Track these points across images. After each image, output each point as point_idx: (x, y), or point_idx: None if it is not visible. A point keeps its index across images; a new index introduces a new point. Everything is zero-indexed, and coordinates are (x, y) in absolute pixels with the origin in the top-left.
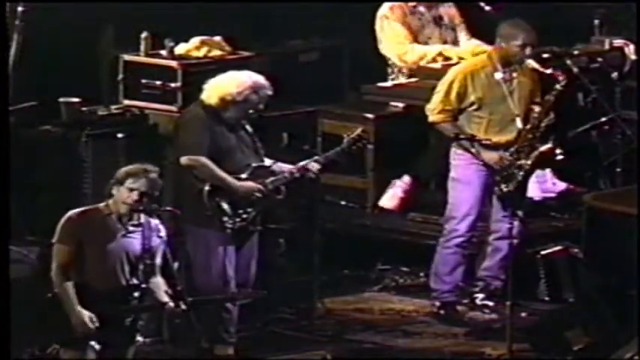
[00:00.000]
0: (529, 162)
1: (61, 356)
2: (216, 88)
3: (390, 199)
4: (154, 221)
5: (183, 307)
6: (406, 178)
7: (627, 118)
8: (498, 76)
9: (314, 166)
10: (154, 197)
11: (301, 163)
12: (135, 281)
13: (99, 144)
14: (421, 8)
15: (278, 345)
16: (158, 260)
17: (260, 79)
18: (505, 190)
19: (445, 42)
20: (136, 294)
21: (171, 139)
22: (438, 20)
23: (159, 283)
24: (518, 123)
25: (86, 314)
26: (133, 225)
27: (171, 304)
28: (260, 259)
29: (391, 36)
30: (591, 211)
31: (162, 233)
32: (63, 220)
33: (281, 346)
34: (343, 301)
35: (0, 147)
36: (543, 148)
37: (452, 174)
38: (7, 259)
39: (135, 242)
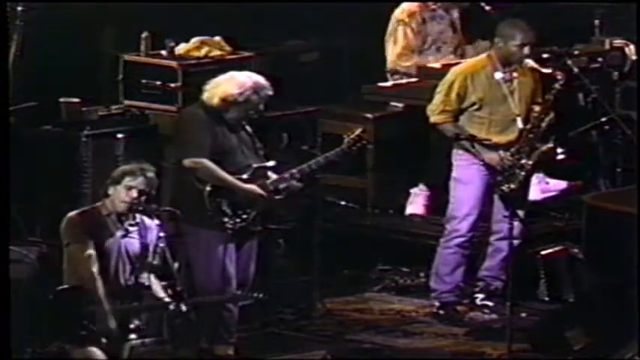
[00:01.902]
0: (530, 161)
1: (70, 355)
2: (218, 89)
3: (415, 208)
4: (149, 220)
5: (184, 307)
6: (422, 187)
7: (627, 118)
8: (498, 76)
9: (296, 186)
10: (152, 195)
11: (304, 167)
12: (134, 280)
13: (99, 144)
14: (440, 12)
15: (278, 345)
16: (153, 258)
17: (261, 79)
18: (507, 190)
19: (457, 46)
20: (134, 293)
21: (170, 139)
22: (452, 25)
23: (154, 281)
24: (519, 123)
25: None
26: (131, 224)
27: (172, 304)
28: (260, 259)
29: (400, 45)
30: (591, 211)
31: (158, 232)
32: (66, 221)
33: (281, 346)
34: (343, 301)
35: (0, 147)
36: (544, 147)
37: (453, 174)
38: (7, 259)
39: (133, 241)
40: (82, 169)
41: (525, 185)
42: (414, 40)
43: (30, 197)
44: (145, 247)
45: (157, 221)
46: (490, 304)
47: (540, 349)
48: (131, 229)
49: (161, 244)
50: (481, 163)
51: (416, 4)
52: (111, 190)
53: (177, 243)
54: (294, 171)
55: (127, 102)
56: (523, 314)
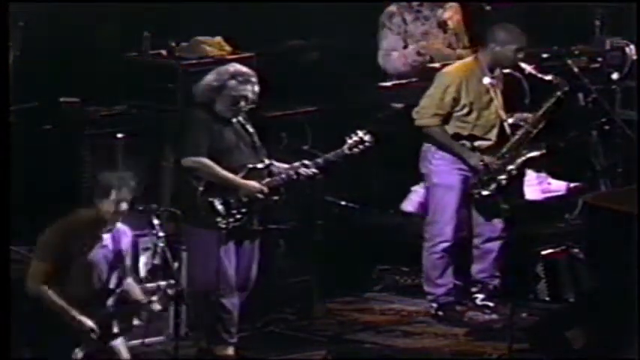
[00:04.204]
0: (514, 167)
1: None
2: (201, 83)
3: (411, 204)
4: (121, 224)
5: (158, 307)
6: (423, 185)
7: (627, 118)
8: (487, 80)
9: (306, 172)
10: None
11: (295, 164)
12: (111, 286)
13: (99, 144)
14: (426, 12)
15: (278, 345)
16: (128, 262)
17: (241, 67)
18: (485, 193)
19: (448, 47)
20: (112, 298)
21: (170, 139)
22: (442, 25)
23: (132, 284)
24: (507, 128)
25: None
26: (107, 230)
27: (146, 304)
28: (260, 259)
29: (382, 49)
30: (591, 211)
31: (129, 236)
32: (43, 236)
33: (281, 346)
34: (343, 301)
35: (0, 147)
36: (532, 154)
37: (433, 179)
38: (8, 259)
39: (109, 247)
40: (82, 170)
41: (501, 190)
42: (394, 42)
43: (30, 197)
44: (118, 251)
45: (126, 228)
46: (490, 304)
47: (540, 349)
48: (106, 235)
49: (161, 244)
50: (461, 166)
51: (396, 4)
52: (97, 202)
53: (178, 243)
54: (290, 171)
55: (127, 102)
56: (523, 314)
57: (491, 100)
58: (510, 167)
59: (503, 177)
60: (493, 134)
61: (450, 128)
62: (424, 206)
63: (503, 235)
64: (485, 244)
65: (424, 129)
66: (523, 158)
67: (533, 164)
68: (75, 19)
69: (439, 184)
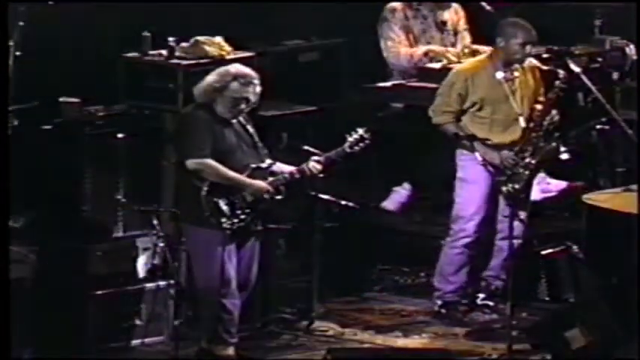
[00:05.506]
0: (534, 161)
1: None
2: (202, 83)
3: (391, 203)
4: None
5: None
6: (407, 186)
7: (627, 118)
8: (499, 75)
9: (315, 167)
10: None
11: (302, 166)
12: None
13: (99, 144)
14: (425, 11)
15: (278, 345)
16: None
17: (243, 69)
18: (511, 189)
19: (445, 47)
20: None
21: (171, 139)
22: (440, 25)
23: None
24: (522, 122)
25: None
26: None
27: None
28: (260, 259)
29: (387, 39)
30: (591, 211)
31: None
32: None
33: (281, 346)
34: (343, 301)
35: (0, 147)
36: (549, 146)
37: (459, 174)
38: (7, 259)
39: None
40: (82, 170)
41: (529, 185)
42: (400, 33)
43: (30, 197)
44: None
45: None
46: (490, 303)
47: (540, 349)
48: None
49: (161, 244)
50: (485, 162)
51: (398, 2)
52: None
53: (178, 243)
54: (293, 171)
55: (127, 102)
56: (523, 314)
57: (507, 95)
58: (530, 161)
59: (525, 172)
60: (516, 129)
61: (470, 126)
62: (404, 206)
63: (521, 235)
64: (501, 241)
65: (438, 127)
66: (541, 151)
67: (551, 157)
68: (75, 19)
69: (463, 178)
